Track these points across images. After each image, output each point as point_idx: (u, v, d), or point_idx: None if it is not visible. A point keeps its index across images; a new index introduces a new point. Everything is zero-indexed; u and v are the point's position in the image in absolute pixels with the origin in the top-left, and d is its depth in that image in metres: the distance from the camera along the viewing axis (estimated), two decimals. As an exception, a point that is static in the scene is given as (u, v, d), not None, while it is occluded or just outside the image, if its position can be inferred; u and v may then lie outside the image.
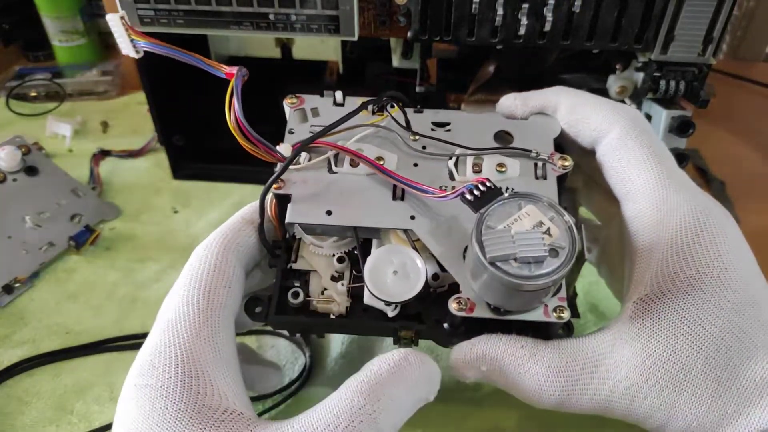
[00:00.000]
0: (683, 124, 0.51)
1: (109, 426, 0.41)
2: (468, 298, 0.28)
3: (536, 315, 0.28)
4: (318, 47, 0.65)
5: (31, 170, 0.57)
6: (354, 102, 0.35)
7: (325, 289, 0.31)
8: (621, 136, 0.32)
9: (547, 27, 0.47)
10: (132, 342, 0.47)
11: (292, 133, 0.34)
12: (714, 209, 0.31)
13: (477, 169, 0.32)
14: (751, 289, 0.29)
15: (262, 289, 0.33)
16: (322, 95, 0.36)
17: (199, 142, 0.64)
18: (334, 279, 0.31)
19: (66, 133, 0.70)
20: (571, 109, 0.34)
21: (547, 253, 0.25)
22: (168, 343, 0.27)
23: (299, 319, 0.31)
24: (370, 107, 0.34)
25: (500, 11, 0.46)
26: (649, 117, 0.54)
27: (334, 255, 0.32)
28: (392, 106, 0.34)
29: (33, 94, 0.78)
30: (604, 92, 0.55)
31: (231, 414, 0.25)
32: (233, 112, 0.29)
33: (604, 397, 0.28)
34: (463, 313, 0.28)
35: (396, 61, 0.57)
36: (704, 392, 0.27)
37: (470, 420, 0.42)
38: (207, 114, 0.62)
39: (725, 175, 0.64)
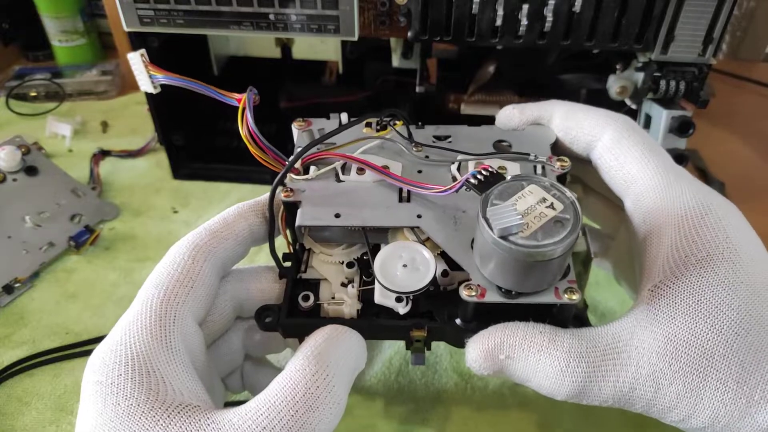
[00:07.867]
0: (683, 124, 0.51)
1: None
2: (478, 285, 0.28)
3: (548, 297, 0.28)
4: (318, 47, 0.65)
5: (30, 170, 0.57)
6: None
7: (336, 295, 0.32)
8: (614, 137, 0.33)
9: (547, 27, 0.47)
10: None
11: None
12: (716, 195, 0.31)
13: None
14: (763, 270, 0.28)
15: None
16: (328, 118, 0.37)
17: (198, 142, 0.64)
18: (344, 285, 0.32)
19: (66, 133, 0.70)
20: (565, 116, 0.35)
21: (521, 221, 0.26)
22: (120, 342, 0.27)
23: (310, 322, 0.30)
24: (373, 125, 0.36)
25: (500, 11, 0.46)
26: (649, 117, 0.54)
27: (343, 262, 0.32)
28: (395, 123, 0.36)
29: (33, 94, 0.78)
30: (604, 92, 0.55)
31: (186, 407, 0.25)
32: (246, 123, 0.31)
33: (627, 385, 0.27)
34: (474, 299, 0.28)
35: (396, 61, 0.58)
36: (729, 377, 0.26)
37: (471, 422, 0.42)
38: (207, 114, 0.63)
39: (725, 175, 0.64)
